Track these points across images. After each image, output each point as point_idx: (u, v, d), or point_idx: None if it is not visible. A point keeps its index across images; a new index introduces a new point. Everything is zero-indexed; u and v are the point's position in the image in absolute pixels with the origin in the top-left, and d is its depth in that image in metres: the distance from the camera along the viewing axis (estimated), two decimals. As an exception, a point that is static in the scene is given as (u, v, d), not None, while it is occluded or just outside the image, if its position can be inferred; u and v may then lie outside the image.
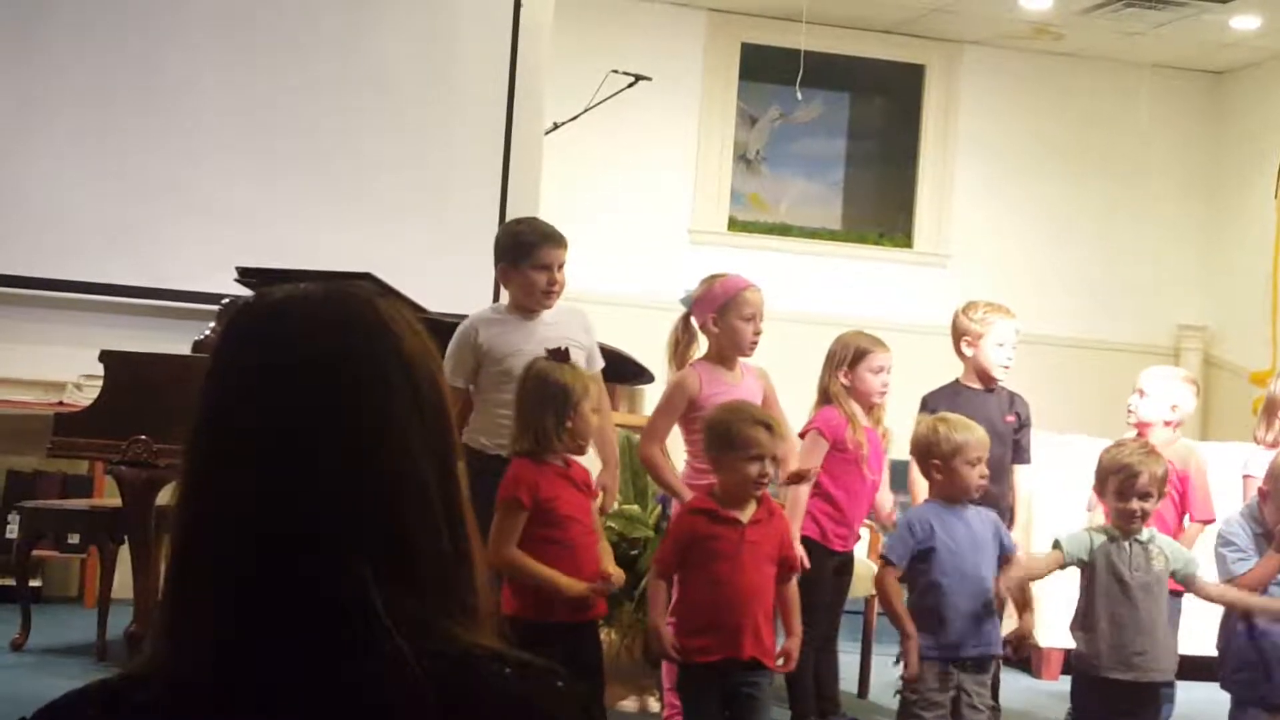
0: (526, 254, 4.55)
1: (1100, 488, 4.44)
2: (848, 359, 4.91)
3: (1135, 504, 4.30)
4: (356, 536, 1.16)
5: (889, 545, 4.32)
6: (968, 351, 5.15)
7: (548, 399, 3.97)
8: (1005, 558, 4.34)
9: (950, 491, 4.29)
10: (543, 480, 3.97)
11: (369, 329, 1.23)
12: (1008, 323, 5.16)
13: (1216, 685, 4.59)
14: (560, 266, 4.58)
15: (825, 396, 4.93)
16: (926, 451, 4.31)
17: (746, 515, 4.07)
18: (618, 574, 4.11)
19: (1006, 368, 5.15)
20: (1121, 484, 4.33)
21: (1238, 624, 4.50)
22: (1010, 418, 5.10)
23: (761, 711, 4.17)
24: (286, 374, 1.20)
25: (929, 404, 5.09)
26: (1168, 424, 5.11)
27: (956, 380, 5.21)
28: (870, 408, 4.96)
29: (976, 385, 5.14)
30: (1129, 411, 5.19)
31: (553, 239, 4.58)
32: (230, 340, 1.25)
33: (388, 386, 1.21)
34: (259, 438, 1.19)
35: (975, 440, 4.28)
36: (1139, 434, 5.07)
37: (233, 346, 1.24)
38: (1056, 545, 4.38)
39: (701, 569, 4.00)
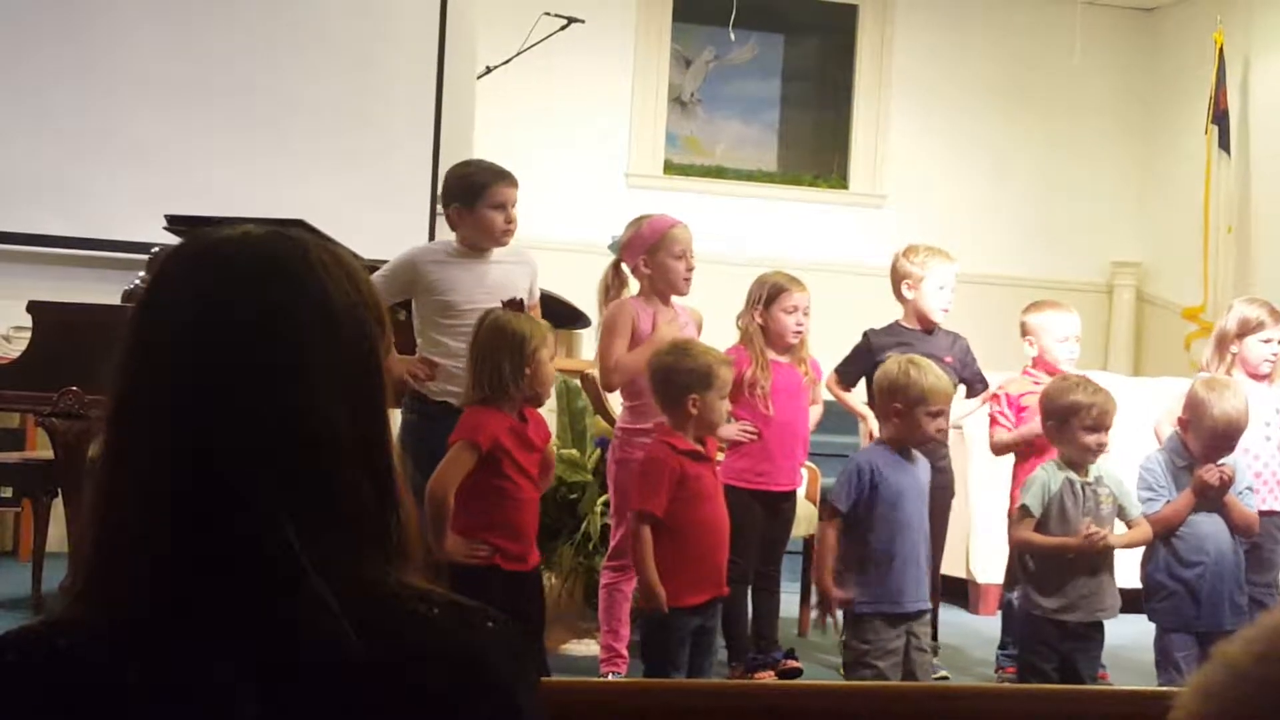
0: (480, 193, 4.55)
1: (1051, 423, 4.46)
2: (762, 298, 4.93)
3: (1091, 439, 4.33)
4: (275, 482, 1.16)
5: (835, 491, 4.26)
6: (908, 294, 5.19)
7: (504, 347, 3.94)
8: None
9: (904, 437, 4.26)
10: (500, 431, 3.93)
11: (291, 273, 1.22)
12: (948, 266, 5.20)
13: (1143, 618, 4.63)
14: (513, 204, 4.59)
15: (744, 335, 4.97)
16: (890, 392, 4.23)
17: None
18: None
19: (946, 310, 5.19)
20: (1086, 419, 4.34)
21: (1161, 553, 4.55)
22: (949, 359, 5.12)
23: (715, 642, 4.28)
24: (206, 319, 1.19)
25: (873, 341, 5.14)
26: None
27: (896, 322, 5.23)
28: (785, 348, 4.96)
29: (916, 327, 5.18)
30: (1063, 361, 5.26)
31: (505, 177, 4.60)
32: (157, 284, 1.24)
33: (302, 333, 1.20)
34: (179, 385, 1.18)
35: (942, 391, 4.24)
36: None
37: (158, 290, 1.23)
38: (1025, 510, 4.37)
39: (690, 511, 4.02)
